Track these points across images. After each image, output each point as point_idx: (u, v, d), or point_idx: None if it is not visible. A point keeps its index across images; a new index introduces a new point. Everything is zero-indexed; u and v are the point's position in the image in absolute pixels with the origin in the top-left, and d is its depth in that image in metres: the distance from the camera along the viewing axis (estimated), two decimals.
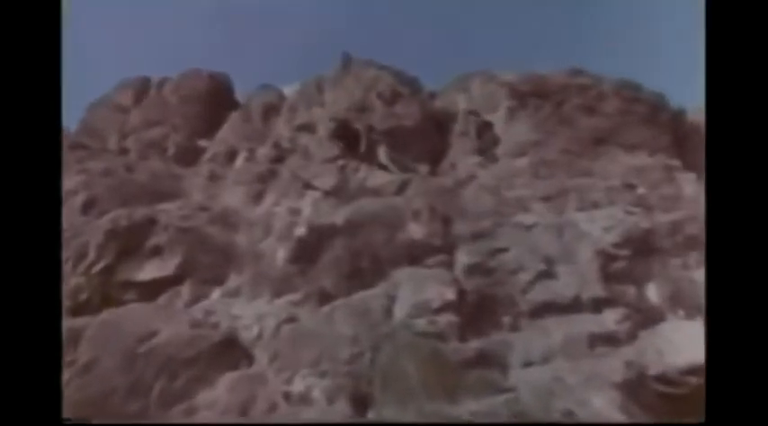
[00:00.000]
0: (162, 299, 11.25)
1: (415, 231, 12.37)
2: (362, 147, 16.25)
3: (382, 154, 15.84)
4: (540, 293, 10.86)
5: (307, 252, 11.90)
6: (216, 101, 21.65)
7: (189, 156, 18.11)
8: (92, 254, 11.58)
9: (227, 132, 19.70)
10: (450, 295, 10.40)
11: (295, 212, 13.44)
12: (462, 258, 11.82)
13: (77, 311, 10.38)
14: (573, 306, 10.55)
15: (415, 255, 11.85)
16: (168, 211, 13.43)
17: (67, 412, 7.30)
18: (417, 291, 10.53)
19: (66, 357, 8.93)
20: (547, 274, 11.21)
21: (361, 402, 8.65)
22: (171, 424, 8.44)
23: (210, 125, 20.23)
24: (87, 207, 13.37)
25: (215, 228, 13.11)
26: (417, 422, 8.30)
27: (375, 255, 11.79)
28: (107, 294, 10.93)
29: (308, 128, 18.16)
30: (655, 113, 17.73)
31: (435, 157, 17.13)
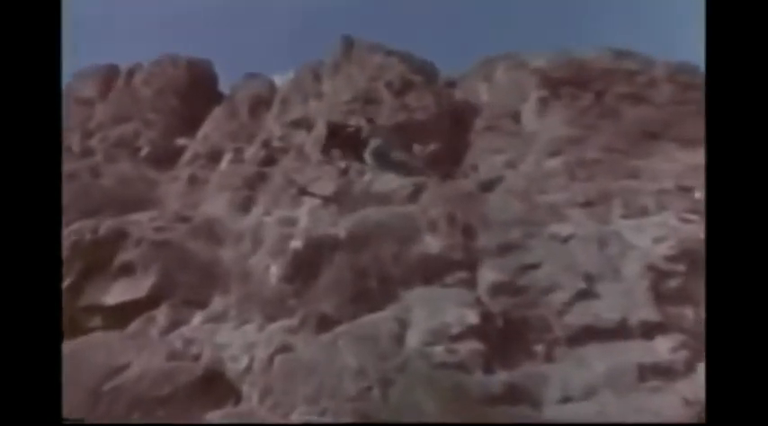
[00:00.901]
0: (133, 326, 11.28)
1: (431, 244, 12.37)
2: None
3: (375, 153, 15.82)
4: (580, 316, 10.78)
5: (303, 269, 11.90)
6: (196, 92, 21.81)
7: (165, 158, 18.14)
8: None
9: (210, 129, 19.79)
10: (473, 318, 10.38)
11: (289, 222, 13.48)
12: (487, 275, 11.80)
13: None
14: (619, 332, 10.45)
15: (430, 272, 11.83)
16: (141, 222, 13.54)
17: None
18: (434, 315, 10.52)
19: None
20: (587, 294, 11.13)
21: None
22: (171, 424, 8.64)
23: (190, 121, 20.35)
24: None
25: (196, 242, 13.20)
26: (417, 422, 8.57)
27: (384, 273, 11.78)
28: (69, 320, 10.82)
29: (303, 124, 18.32)
30: None
31: (454, 157, 17.15)
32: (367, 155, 15.71)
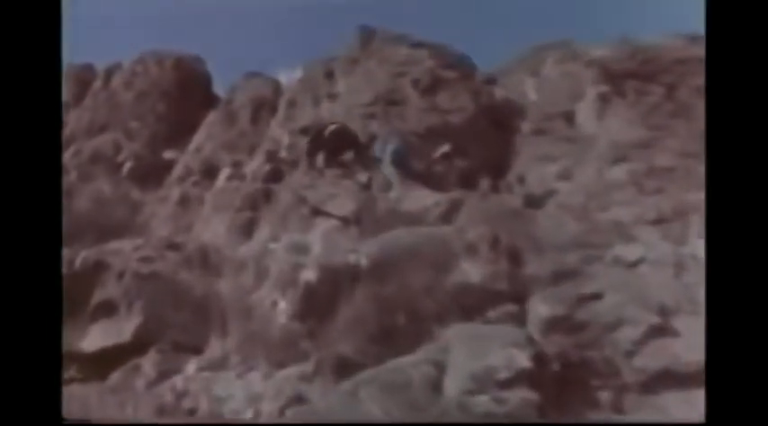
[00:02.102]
0: (115, 377, 11.42)
1: (471, 271, 12.36)
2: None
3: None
4: (653, 357, 10.67)
5: (318, 304, 11.93)
6: (186, 95, 21.97)
7: (150, 174, 18.25)
8: None
9: (204, 139, 19.89)
10: (524, 361, 10.26)
11: (300, 249, 13.46)
12: (538, 308, 11.75)
13: None
14: (700, 376, 9.85)
15: (470, 306, 11.79)
16: (123, 252, 13.73)
17: None
18: (476, 356, 10.42)
19: None
20: (662, 330, 11.04)
21: None
22: (171, 424, 9.31)
23: (179, 130, 20.54)
24: None
25: (189, 274, 13.31)
26: (417, 422, 8.90)
27: (414, 307, 11.74)
28: None
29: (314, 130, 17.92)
30: None
31: (496, 167, 17.11)
32: (384, 164, 15.99)
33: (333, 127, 16.96)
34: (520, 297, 12.00)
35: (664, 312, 11.31)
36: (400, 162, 16.08)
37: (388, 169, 15.99)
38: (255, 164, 17.81)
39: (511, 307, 11.82)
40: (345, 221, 14.12)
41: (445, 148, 17.13)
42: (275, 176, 16.98)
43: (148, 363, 11.59)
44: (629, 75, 18.45)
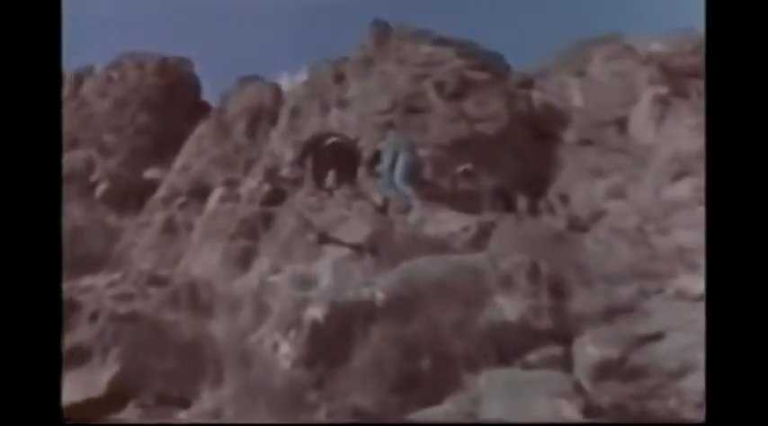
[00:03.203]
0: None
1: (507, 307, 12.31)
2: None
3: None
4: None
5: (327, 347, 11.91)
6: (171, 104, 22.29)
7: (129, 197, 18.57)
8: None
9: (192, 155, 20.15)
10: (571, 413, 10.20)
11: (306, 282, 13.52)
12: (588, 351, 11.63)
13: None
14: None
15: (507, 348, 11.72)
16: (97, 289, 14.02)
17: None
18: (515, 408, 10.36)
19: None
20: None
21: None
22: (172, 424, 9.88)
23: (163, 144, 20.93)
24: None
25: (176, 314, 13.34)
26: (417, 422, 9.38)
27: (441, 350, 11.67)
28: None
29: None
30: None
31: (536, 184, 17.25)
32: (397, 178, 16.07)
33: (333, 139, 17.44)
34: (565, 338, 11.92)
35: None
36: (412, 177, 16.26)
37: (399, 187, 16.10)
38: (253, 184, 17.90)
39: (555, 350, 11.75)
40: (358, 249, 14.15)
41: (466, 166, 17.34)
42: (276, 197, 17.20)
43: (129, 419, 11.54)
44: (692, 74, 18.36)
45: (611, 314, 12.16)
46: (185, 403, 11.86)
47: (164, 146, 20.41)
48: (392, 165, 16.49)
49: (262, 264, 14.89)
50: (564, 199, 16.61)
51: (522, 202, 16.46)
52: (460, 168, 17.27)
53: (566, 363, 11.54)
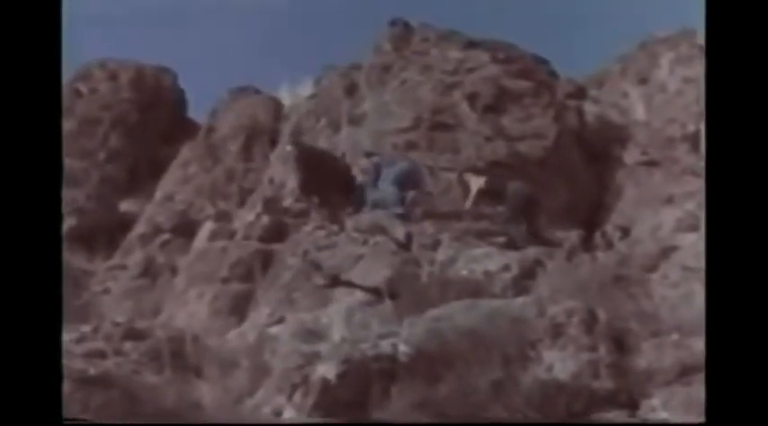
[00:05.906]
0: None
1: (558, 363, 11.38)
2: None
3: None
4: None
5: (339, 411, 11.10)
6: (151, 122, 22.20)
7: (100, 234, 18.18)
8: None
9: (176, 183, 20.22)
10: None
11: (313, 334, 13.03)
12: (660, 416, 10.70)
13: None
14: None
15: (558, 412, 10.79)
16: (63, 344, 12.99)
17: None
18: None
19: None
20: None
21: None
22: (173, 424, 10.36)
23: (141, 171, 20.97)
24: None
25: (156, 375, 12.74)
26: (416, 422, 9.83)
27: (477, 415, 10.78)
28: None
29: None
30: None
31: (589, 214, 17.35)
32: (386, 183, 14.94)
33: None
34: (630, 401, 10.92)
35: None
36: (406, 183, 15.05)
37: (386, 193, 14.89)
38: (249, 217, 17.54)
39: (617, 415, 10.76)
40: (376, 293, 13.66)
41: (480, 184, 16.31)
42: (277, 233, 16.81)
43: None
44: None
45: (687, 371, 11.03)
46: None
47: (141, 174, 20.28)
48: (376, 177, 15.40)
49: (260, 314, 14.45)
50: (624, 231, 16.19)
51: (573, 236, 15.84)
52: (474, 188, 16.38)
53: None
